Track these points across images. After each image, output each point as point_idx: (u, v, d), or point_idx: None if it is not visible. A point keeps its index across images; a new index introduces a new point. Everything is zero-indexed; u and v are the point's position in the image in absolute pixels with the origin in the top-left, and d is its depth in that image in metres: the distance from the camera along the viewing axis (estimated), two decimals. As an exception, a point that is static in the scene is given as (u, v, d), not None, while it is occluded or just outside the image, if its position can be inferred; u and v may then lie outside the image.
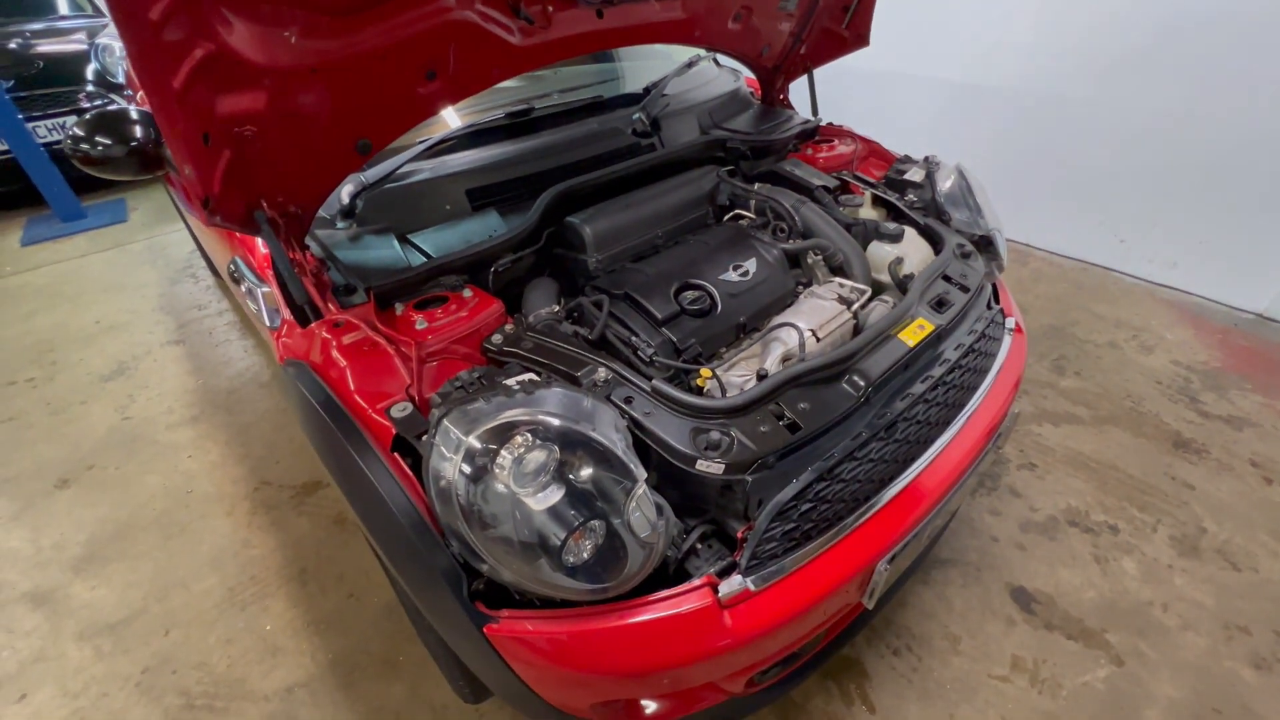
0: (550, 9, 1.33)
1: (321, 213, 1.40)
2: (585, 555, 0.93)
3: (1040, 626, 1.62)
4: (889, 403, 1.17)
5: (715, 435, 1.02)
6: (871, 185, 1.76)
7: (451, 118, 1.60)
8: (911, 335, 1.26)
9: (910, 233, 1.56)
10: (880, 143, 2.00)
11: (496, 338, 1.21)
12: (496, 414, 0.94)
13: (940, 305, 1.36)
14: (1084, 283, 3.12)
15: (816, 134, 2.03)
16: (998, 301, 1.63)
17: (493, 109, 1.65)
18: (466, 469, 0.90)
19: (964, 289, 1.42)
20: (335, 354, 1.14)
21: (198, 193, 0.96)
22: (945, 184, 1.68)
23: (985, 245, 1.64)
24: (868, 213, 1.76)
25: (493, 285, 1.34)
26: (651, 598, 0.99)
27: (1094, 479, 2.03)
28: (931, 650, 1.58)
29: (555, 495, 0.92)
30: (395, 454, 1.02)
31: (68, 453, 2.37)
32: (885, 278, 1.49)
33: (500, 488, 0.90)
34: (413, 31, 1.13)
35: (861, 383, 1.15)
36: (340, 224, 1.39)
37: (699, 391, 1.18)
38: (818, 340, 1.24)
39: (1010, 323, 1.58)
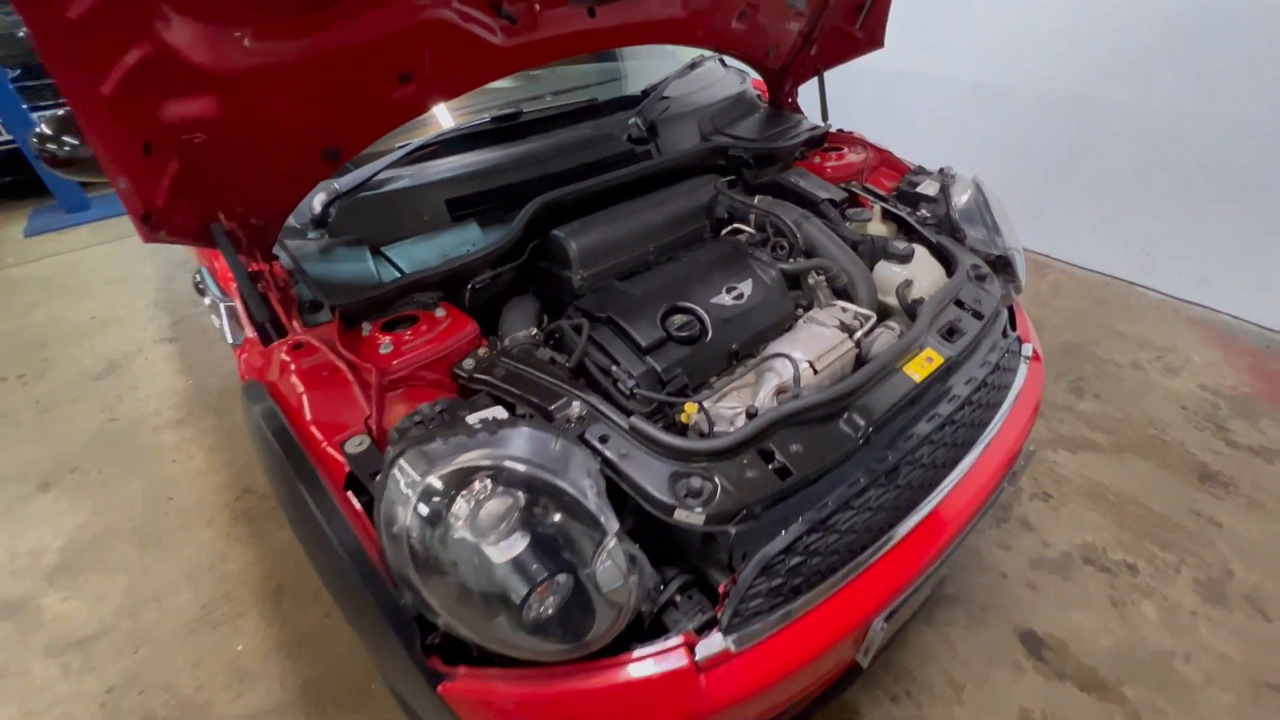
0: (537, 7, 1.24)
1: (293, 221, 1.33)
2: (549, 612, 0.84)
3: (1051, 676, 1.52)
4: (891, 444, 1.08)
5: (696, 481, 0.93)
6: (881, 198, 1.66)
7: (434, 121, 1.52)
8: (918, 369, 1.16)
9: (921, 252, 1.46)
10: (893, 151, 1.89)
11: (468, 363, 1.13)
12: (454, 456, 0.85)
13: (951, 334, 1.26)
14: (1106, 298, 2.98)
15: (825, 141, 1.93)
16: (1014, 327, 1.52)
17: (479, 112, 1.56)
18: (420, 515, 0.82)
19: (978, 315, 1.32)
20: (293, 379, 1.06)
21: (135, 208, 0.88)
22: (961, 199, 1.57)
23: (1002, 266, 1.53)
24: (877, 228, 1.66)
25: (469, 303, 1.26)
26: (621, 658, 0.90)
27: (1112, 513, 1.91)
28: (933, 697, 1.49)
29: (518, 546, 0.84)
30: (349, 492, 0.94)
31: (52, 454, 2.33)
32: (893, 301, 1.39)
33: (457, 536, 0.82)
34: (382, 32, 1.05)
35: (861, 422, 1.05)
36: (311, 234, 1.32)
37: (683, 428, 1.09)
38: (815, 372, 1.15)
39: (1027, 350, 1.48)
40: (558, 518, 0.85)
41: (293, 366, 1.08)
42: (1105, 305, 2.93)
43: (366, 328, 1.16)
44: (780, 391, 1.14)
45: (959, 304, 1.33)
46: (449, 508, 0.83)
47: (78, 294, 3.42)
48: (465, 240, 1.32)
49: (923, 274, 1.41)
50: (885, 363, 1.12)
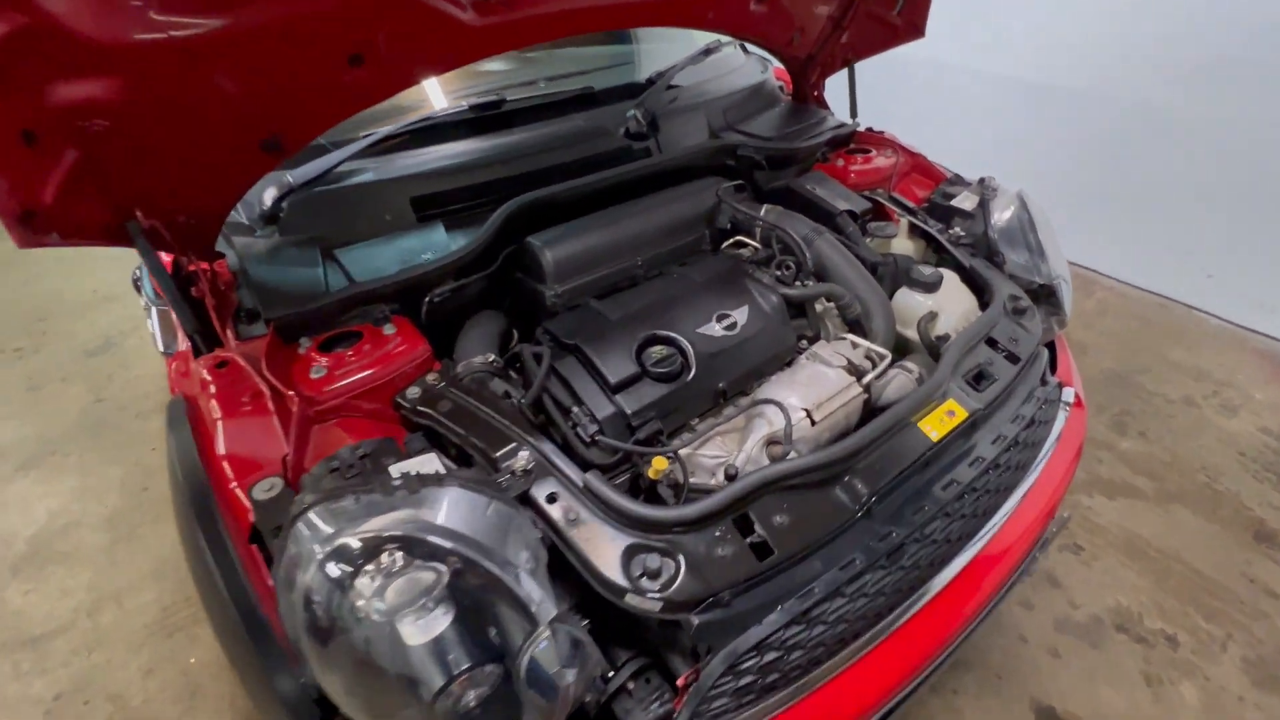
0: (515, -19, 1.07)
1: (243, 216, 1.20)
2: (470, 704, 0.71)
3: (1069, 763, 1.35)
4: (898, 517, 0.91)
5: (654, 560, 0.78)
6: (910, 211, 1.46)
7: (405, 108, 1.36)
8: (937, 424, 0.98)
9: (951, 278, 1.27)
10: (929, 155, 1.68)
11: (413, 392, 0.99)
12: (364, 520, 0.72)
13: (980, 380, 1.08)
14: (1159, 321, 2.72)
15: (852, 141, 1.72)
16: (1054, 368, 1.32)
17: (458, 99, 1.40)
18: (321, 583, 0.69)
19: (1012, 359, 1.13)
20: (211, 403, 0.94)
21: (9, 207, 0.76)
22: (1002, 215, 1.37)
23: (1046, 296, 1.33)
24: (902, 244, 1.47)
25: (426, 319, 1.11)
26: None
27: (1152, 572, 1.71)
28: (932, 776, 1.33)
29: (438, 626, 0.70)
30: (253, 545, 0.82)
31: (36, 435, 2.28)
32: (913, 335, 1.21)
33: (362, 612, 0.69)
34: (323, 6, 0.89)
35: (863, 490, 0.89)
36: (261, 231, 1.18)
37: (649, 487, 0.93)
38: (813, 423, 0.98)
39: (1069, 395, 1.28)
40: (486, 597, 0.72)
41: (212, 388, 0.95)
42: (1157, 329, 2.66)
43: (305, 344, 1.03)
44: (771, 443, 0.98)
45: (991, 343, 1.15)
46: (354, 580, 0.70)
47: (82, 266, 3.38)
48: (428, 245, 1.17)
49: (951, 305, 1.22)
50: (898, 416, 0.95)
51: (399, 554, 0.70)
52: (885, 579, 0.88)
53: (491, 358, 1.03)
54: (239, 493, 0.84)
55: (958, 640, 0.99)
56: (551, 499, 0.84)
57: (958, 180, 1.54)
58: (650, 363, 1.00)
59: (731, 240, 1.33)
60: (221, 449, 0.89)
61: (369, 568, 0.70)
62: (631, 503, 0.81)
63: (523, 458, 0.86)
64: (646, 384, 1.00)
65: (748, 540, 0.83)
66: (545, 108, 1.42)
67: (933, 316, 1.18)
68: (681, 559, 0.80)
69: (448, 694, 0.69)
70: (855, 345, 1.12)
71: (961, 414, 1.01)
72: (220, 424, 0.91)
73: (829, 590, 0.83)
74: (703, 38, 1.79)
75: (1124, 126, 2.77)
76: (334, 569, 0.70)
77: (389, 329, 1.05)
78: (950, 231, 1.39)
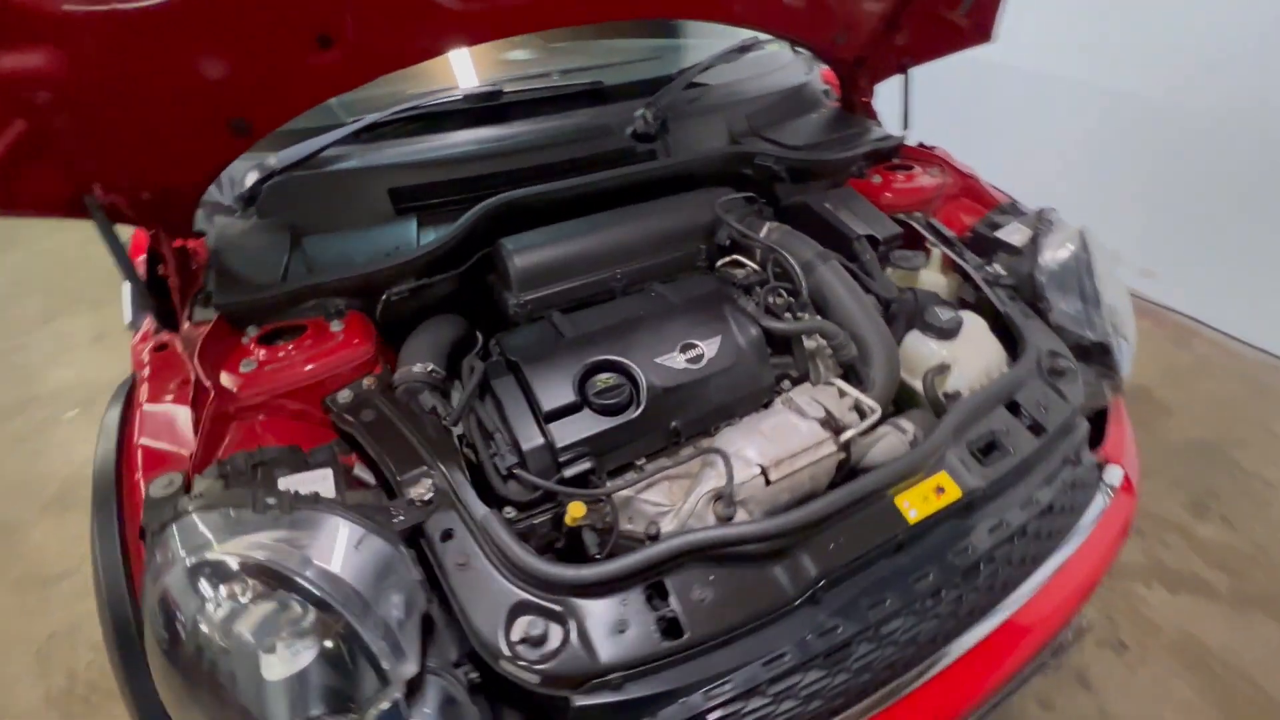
0: (505, -37, 0.99)
1: (223, 196, 1.19)
2: None
3: None
4: (850, 610, 0.77)
5: (539, 626, 0.69)
6: (946, 241, 1.27)
7: (400, 93, 1.30)
8: (920, 501, 0.83)
9: (977, 325, 1.08)
10: (983, 179, 1.47)
11: (344, 395, 0.93)
12: (228, 538, 0.67)
13: (988, 452, 0.91)
14: (1270, 386, 2.32)
15: (896, 155, 1.54)
16: (1099, 443, 1.11)
17: (468, 85, 1.34)
18: (177, 598, 0.65)
19: (1036, 429, 0.95)
20: (143, 386, 0.92)
21: (-65, 176, 0.75)
22: (1056, 255, 1.16)
23: (1098, 355, 1.12)
24: (933, 278, 1.28)
25: (381, 318, 1.06)
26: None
27: (1213, 690, 1.44)
28: None
29: (296, 664, 0.64)
30: (143, 542, 0.78)
31: (94, 380, 2.44)
32: (919, 384, 1.04)
33: (216, 636, 0.64)
34: (275, -18, 0.84)
35: (810, 573, 0.76)
36: (240, 213, 1.17)
37: (568, 535, 0.83)
38: (768, 483, 0.84)
39: (1114, 476, 1.08)
40: (343, 642, 0.66)
41: (145, 371, 0.93)
42: (1266, 396, 2.28)
43: (251, 333, 1.00)
44: (718, 499, 0.86)
45: (1013, 408, 0.96)
46: (212, 600, 0.65)
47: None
48: (400, 240, 1.12)
49: (970, 356, 1.04)
50: (868, 488, 0.81)
51: (255, 581, 0.65)
52: (823, 681, 0.74)
53: (431, 368, 0.95)
54: (141, 485, 0.81)
55: None
56: (447, 536, 0.76)
57: (1012, 209, 1.33)
58: (594, 391, 0.90)
59: (728, 259, 1.19)
60: (137, 436, 0.87)
61: (227, 590, 0.65)
62: (526, 553, 0.72)
63: (425, 485, 0.79)
64: (586, 415, 0.89)
65: (658, 614, 0.72)
66: (548, 101, 1.33)
67: (943, 369, 1.01)
68: (573, 627, 0.70)
69: None
70: (843, 394, 0.97)
71: (955, 492, 0.84)
72: (142, 410, 0.89)
73: (746, 687, 0.71)
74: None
75: (1242, 150, 2.37)
76: (194, 584, 0.65)
77: (336, 325, 1.00)
78: (989, 268, 1.20)
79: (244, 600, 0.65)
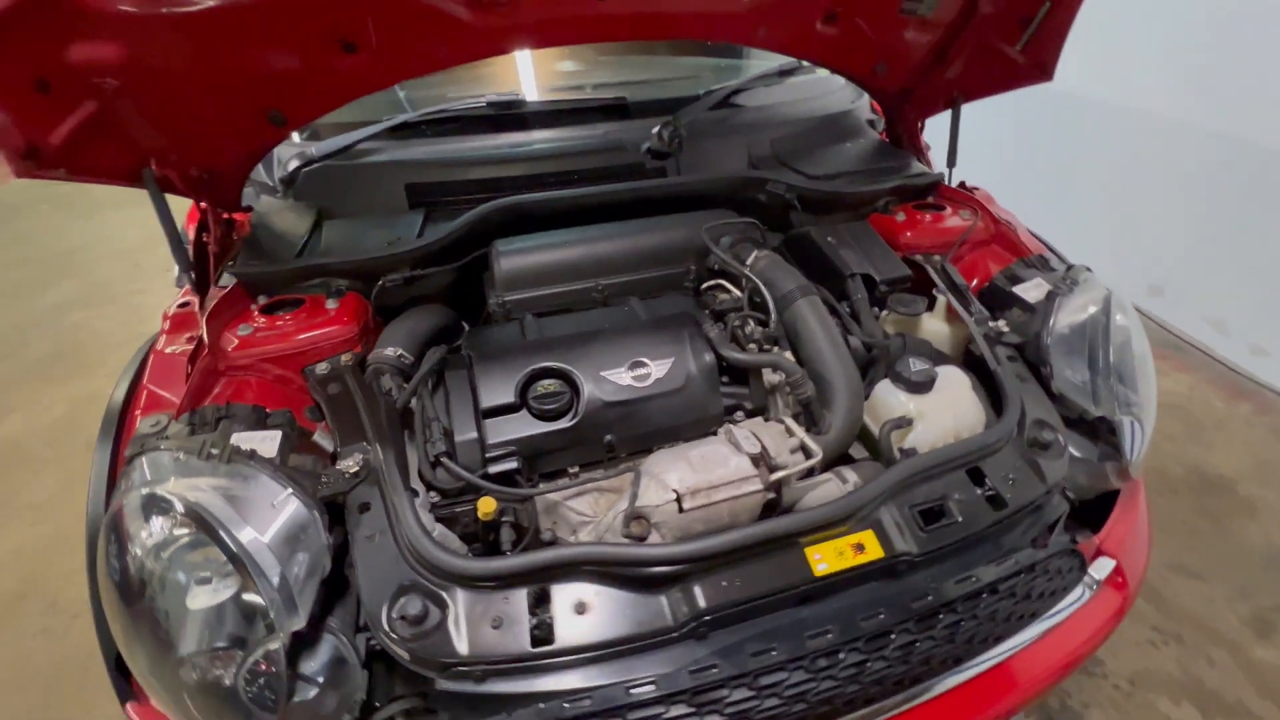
0: (523, -17, 1.05)
1: (269, 178, 1.34)
2: (210, 681, 0.72)
3: None
4: (732, 651, 0.75)
5: (417, 605, 0.73)
6: (955, 290, 1.19)
7: (440, 96, 1.40)
8: (832, 556, 0.79)
9: (956, 381, 1.01)
10: (1020, 227, 1.37)
11: (321, 367, 1.02)
12: (168, 479, 0.76)
13: (935, 518, 0.85)
14: (1396, 501, 1.97)
15: (932, 193, 1.46)
16: (1087, 531, 1.01)
17: (498, 92, 1.41)
18: (127, 522, 0.75)
19: (996, 503, 0.87)
20: (162, 336, 1.06)
21: (13, 142, 0.90)
22: (1068, 318, 1.06)
23: (1103, 433, 1.01)
24: (936, 327, 1.21)
25: (375, 302, 1.15)
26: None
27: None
28: None
29: (211, 599, 0.73)
30: (126, 472, 0.90)
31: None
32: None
33: (142, 562, 0.73)
34: (304, -8, 0.95)
35: (696, 608, 0.74)
36: (281, 194, 1.31)
37: (483, 528, 0.87)
38: (680, 510, 0.84)
39: (1102, 569, 0.97)
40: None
41: (166, 324, 1.07)
42: (1387, 511, 1.93)
43: (260, 301, 1.11)
44: (637, 518, 0.86)
45: (976, 476, 0.89)
46: (149, 530, 0.74)
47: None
48: (402, 231, 1.20)
49: (940, 414, 0.97)
50: (776, 532, 0.78)
51: (182, 518, 0.73)
52: (689, 718, 0.73)
53: (400, 353, 1.02)
54: (137, 420, 0.94)
55: None
56: (364, 509, 0.82)
57: (1040, 262, 1.23)
58: (534, 395, 0.93)
59: (713, 284, 1.19)
60: (146, 377, 1.00)
61: (167, 523, 0.74)
62: (422, 537, 0.76)
63: (357, 459, 0.85)
64: (523, 417, 0.93)
65: (535, 619, 0.74)
66: (571, 113, 1.38)
67: (904, 422, 0.95)
68: (450, 614, 0.73)
69: (193, 663, 0.71)
70: (790, 434, 0.94)
71: (876, 552, 0.80)
72: (153, 356, 1.02)
73: (605, 706, 0.71)
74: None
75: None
76: (143, 512, 0.74)
77: (332, 304, 1.10)
78: (993, 323, 1.11)
79: (179, 535, 0.73)
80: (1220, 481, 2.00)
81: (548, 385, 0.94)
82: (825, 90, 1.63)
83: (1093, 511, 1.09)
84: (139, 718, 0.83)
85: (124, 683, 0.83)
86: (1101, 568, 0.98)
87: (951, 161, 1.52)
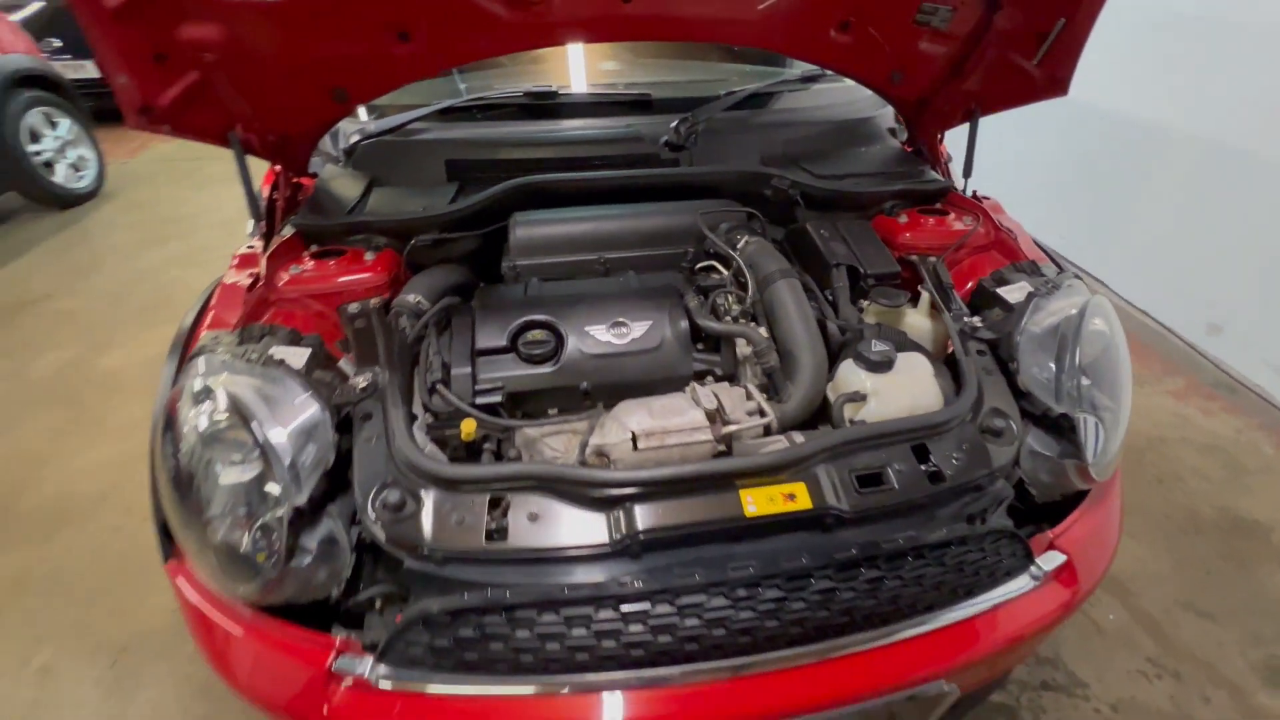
0: (552, -17, 1.19)
1: (334, 149, 1.54)
2: (231, 542, 0.87)
3: None
4: (661, 572, 0.84)
5: (395, 495, 0.86)
6: (940, 288, 1.24)
7: (490, 83, 1.57)
8: (764, 501, 0.87)
9: (917, 366, 1.07)
10: (1022, 236, 1.39)
11: (352, 306, 1.17)
12: (215, 374, 0.93)
13: (869, 484, 0.91)
14: None
15: (941, 199, 1.50)
16: (1045, 525, 1.04)
17: (540, 82, 1.57)
18: (180, 408, 0.91)
19: (936, 478, 0.93)
20: (232, 269, 1.26)
21: (133, 101, 1.11)
22: (1042, 319, 1.09)
23: (1065, 431, 1.04)
24: (919, 322, 1.27)
25: (407, 258, 1.31)
26: (270, 620, 0.90)
27: None
28: None
29: (241, 476, 0.88)
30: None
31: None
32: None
33: (189, 441, 0.89)
34: (367, -11, 1.12)
35: (630, 528, 0.84)
36: (342, 162, 1.51)
37: (466, 450, 1.00)
38: (634, 448, 0.94)
39: (1051, 561, 1.00)
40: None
41: (236, 260, 1.27)
42: None
43: (312, 249, 1.30)
44: (599, 454, 0.97)
45: (922, 454, 0.95)
46: (190, 414, 0.90)
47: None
48: (436, 200, 1.36)
49: (898, 394, 1.03)
50: (713, 470, 0.87)
51: (224, 406, 0.89)
52: (614, 623, 0.83)
53: (419, 300, 1.17)
54: (201, 334, 1.12)
55: None
56: (366, 418, 0.96)
57: (1030, 268, 1.25)
58: (523, 342, 1.06)
59: (706, 264, 1.28)
60: (213, 300, 1.19)
61: (211, 408, 0.90)
62: (409, 443, 0.90)
63: (366, 378, 1.00)
64: (511, 360, 1.05)
65: (492, 522, 0.85)
66: (600, 105, 1.52)
67: (857, 396, 1.01)
68: (423, 508, 0.86)
69: (217, 526, 0.86)
70: (749, 397, 1.02)
71: (805, 503, 0.87)
72: (222, 285, 1.21)
73: (541, 599, 0.82)
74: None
75: None
76: (191, 401, 0.91)
77: (370, 256, 1.27)
78: (968, 320, 1.16)
79: (219, 420, 0.90)
80: (1254, 527, 1.90)
81: (536, 335, 1.07)
82: (848, 98, 1.70)
83: (1064, 512, 1.11)
84: (176, 574, 0.99)
85: (167, 543, 1.01)
86: (1050, 560, 1.01)
87: (967, 172, 1.56)
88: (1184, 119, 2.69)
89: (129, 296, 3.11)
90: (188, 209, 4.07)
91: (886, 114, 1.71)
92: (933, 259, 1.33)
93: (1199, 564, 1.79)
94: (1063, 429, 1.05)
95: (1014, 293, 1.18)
